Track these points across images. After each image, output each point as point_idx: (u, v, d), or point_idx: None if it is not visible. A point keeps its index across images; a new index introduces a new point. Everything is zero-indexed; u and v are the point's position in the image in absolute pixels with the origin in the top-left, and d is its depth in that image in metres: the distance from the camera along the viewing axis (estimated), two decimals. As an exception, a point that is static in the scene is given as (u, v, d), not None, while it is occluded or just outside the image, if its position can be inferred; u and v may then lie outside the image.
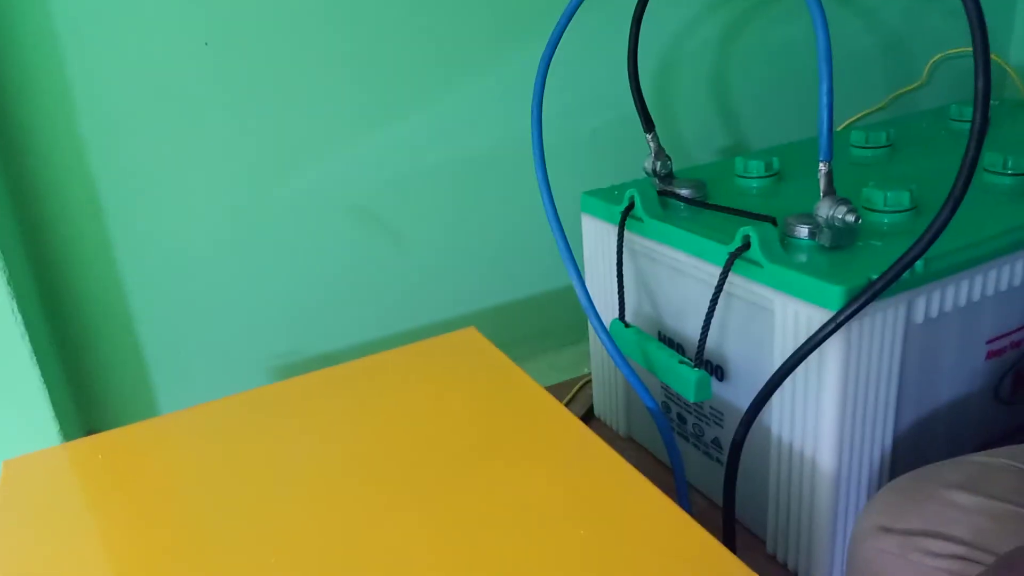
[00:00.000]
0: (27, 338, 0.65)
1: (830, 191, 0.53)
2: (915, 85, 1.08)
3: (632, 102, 0.68)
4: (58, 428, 0.68)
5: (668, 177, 0.69)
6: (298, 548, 0.43)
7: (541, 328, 0.97)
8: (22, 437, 0.67)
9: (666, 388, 0.71)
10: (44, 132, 0.68)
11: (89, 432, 0.71)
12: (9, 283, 0.63)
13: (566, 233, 0.64)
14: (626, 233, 0.67)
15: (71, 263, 0.72)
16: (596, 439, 0.51)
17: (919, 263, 0.51)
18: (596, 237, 0.73)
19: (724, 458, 0.66)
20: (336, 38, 0.77)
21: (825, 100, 0.51)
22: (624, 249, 0.67)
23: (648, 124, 0.68)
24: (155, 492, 0.50)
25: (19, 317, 0.64)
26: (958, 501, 0.44)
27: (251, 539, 0.45)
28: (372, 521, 0.45)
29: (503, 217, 0.90)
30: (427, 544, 0.43)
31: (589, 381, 0.92)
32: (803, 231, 0.56)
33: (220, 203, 0.77)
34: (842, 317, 0.48)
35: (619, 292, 0.67)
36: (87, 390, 0.76)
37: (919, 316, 0.54)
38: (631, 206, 0.66)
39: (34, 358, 0.66)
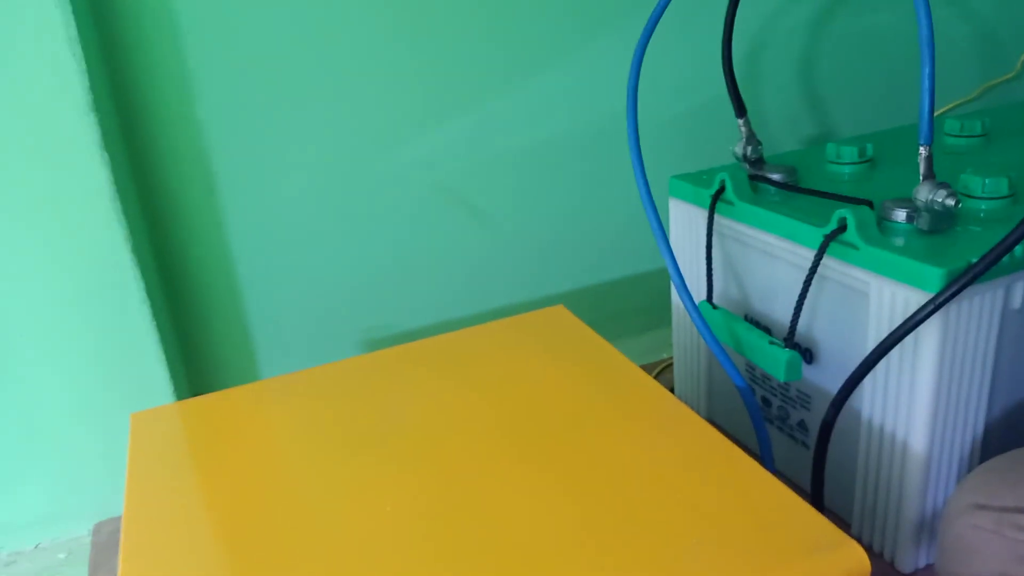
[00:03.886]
0: (148, 304, 0.70)
1: (930, 175, 0.53)
2: (1008, 76, 1.06)
3: (718, 87, 0.69)
4: (172, 388, 0.73)
5: (759, 162, 0.70)
6: (409, 500, 0.46)
7: (620, 312, 0.99)
8: (141, 395, 0.72)
9: (751, 370, 0.72)
10: (165, 116, 0.73)
11: (196, 395, 0.76)
12: (133, 253, 0.68)
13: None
14: (716, 217, 0.69)
15: (187, 238, 0.77)
16: (688, 410, 0.52)
17: (1018, 248, 0.51)
18: (684, 221, 0.74)
19: (810, 441, 0.67)
20: (430, 28, 0.80)
21: (927, 84, 0.51)
22: (713, 232, 0.68)
23: (740, 109, 0.69)
24: (270, 443, 0.54)
25: (141, 284, 0.69)
26: (1056, 482, 0.44)
27: (363, 492, 0.48)
28: (473, 481, 0.48)
29: (584, 201, 0.92)
30: (528, 504, 0.45)
31: (668, 366, 0.93)
32: (901, 215, 0.56)
33: (320, 182, 0.80)
34: (941, 299, 0.49)
35: (708, 274, 0.68)
36: (196, 356, 0.81)
37: (1016, 301, 0.54)
38: (721, 189, 0.67)
39: (153, 323, 0.70)
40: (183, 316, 0.79)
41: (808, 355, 0.64)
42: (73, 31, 0.62)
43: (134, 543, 0.45)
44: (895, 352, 0.54)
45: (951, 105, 1.02)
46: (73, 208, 0.66)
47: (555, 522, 0.43)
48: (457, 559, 0.41)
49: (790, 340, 0.59)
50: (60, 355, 0.70)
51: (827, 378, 0.63)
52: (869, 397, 0.58)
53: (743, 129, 0.69)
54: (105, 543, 0.74)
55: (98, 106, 0.65)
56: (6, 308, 0.68)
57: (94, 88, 0.64)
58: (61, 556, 0.75)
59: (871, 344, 0.55)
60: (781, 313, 0.66)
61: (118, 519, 0.77)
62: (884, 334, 0.53)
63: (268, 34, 0.74)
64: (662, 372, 0.93)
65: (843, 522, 0.65)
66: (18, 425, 0.72)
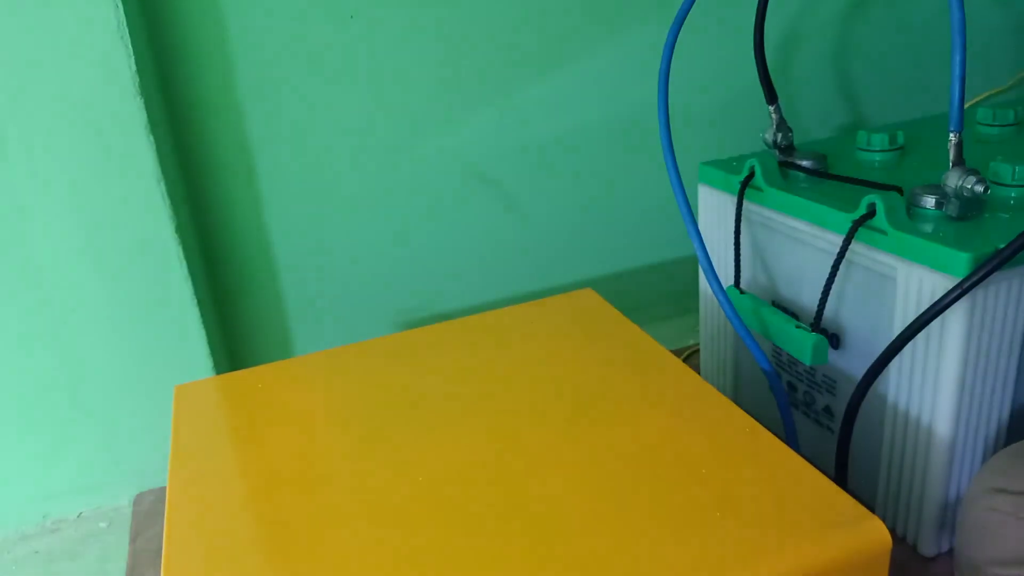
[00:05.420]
0: (190, 281, 0.72)
1: (959, 162, 0.54)
2: (1045, 66, 1.05)
3: (749, 76, 0.69)
4: (212, 363, 0.76)
5: (789, 149, 0.70)
6: (441, 473, 0.48)
7: (646, 299, 0.99)
8: (182, 369, 0.75)
9: (777, 355, 0.73)
10: (208, 101, 0.75)
11: (233, 370, 0.78)
12: (176, 232, 0.71)
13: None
14: (744, 203, 0.69)
15: (228, 219, 0.79)
16: (714, 390, 0.53)
17: (1048, 235, 0.51)
18: (713, 207, 0.75)
19: (835, 426, 0.68)
20: (460, 18, 0.81)
21: (957, 71, 0.51)
22: (741, 218, 0.69)
23: (771, 95, 0.69)
24: (310, 416, 0.56)
25: (184, 263, 0.72)
26: (1079, 466, 0.45)
27: (397, 464, 0.50)
28: (503, 455, 0.49)
29: (613, 188, 0.93)
30: (557, 478, 0.47)
31: (693, 353, 0.94)
32: (930, 201, 0.57)
33: (355, 168, 0.82)
34: (968, 283, 0.49)
35: (736, 260, 0.69)
36: (235, 333, 0.84)
37: (1045, 289, 0.54)
38: (751, 176, 0.68)
39: (195, 300, 0.73)
40: (223, 294, 0.82)
41: (835, 340, 0.65)
42: (122, 18, 0.64)
43: (180, 511, 0.48)
44: (921, 337, 0.55)
45: (985, 94, 1.01)
46: (120, 189, 0.69)
47: (584, 495, 0.45)
48: (487, 530, 0.43)
49: (817, 324, 0.59)
50: (106, 329, 0.73)
51: (853, 363, 0.64)
52: (895, 382, 0.59)
53: (774, 116, 0.70)
54: (146, 512, 0.77)
55: (144, 91, 0.67)
56: (55, 283, 0.71)
57: (141, 73, 0.66)
58: (103, 525, 0.78)
59: (897, 329, 0.55)
60: (808, 298, 0.67)
61: (158, 490, 0.80)
62: (910, 319, 0.53)
63: (307, 24, 0.76)
64: (687, 359, 0.94)
65: (867, 506, 0.65)
66: (64, 396, 0.75)
